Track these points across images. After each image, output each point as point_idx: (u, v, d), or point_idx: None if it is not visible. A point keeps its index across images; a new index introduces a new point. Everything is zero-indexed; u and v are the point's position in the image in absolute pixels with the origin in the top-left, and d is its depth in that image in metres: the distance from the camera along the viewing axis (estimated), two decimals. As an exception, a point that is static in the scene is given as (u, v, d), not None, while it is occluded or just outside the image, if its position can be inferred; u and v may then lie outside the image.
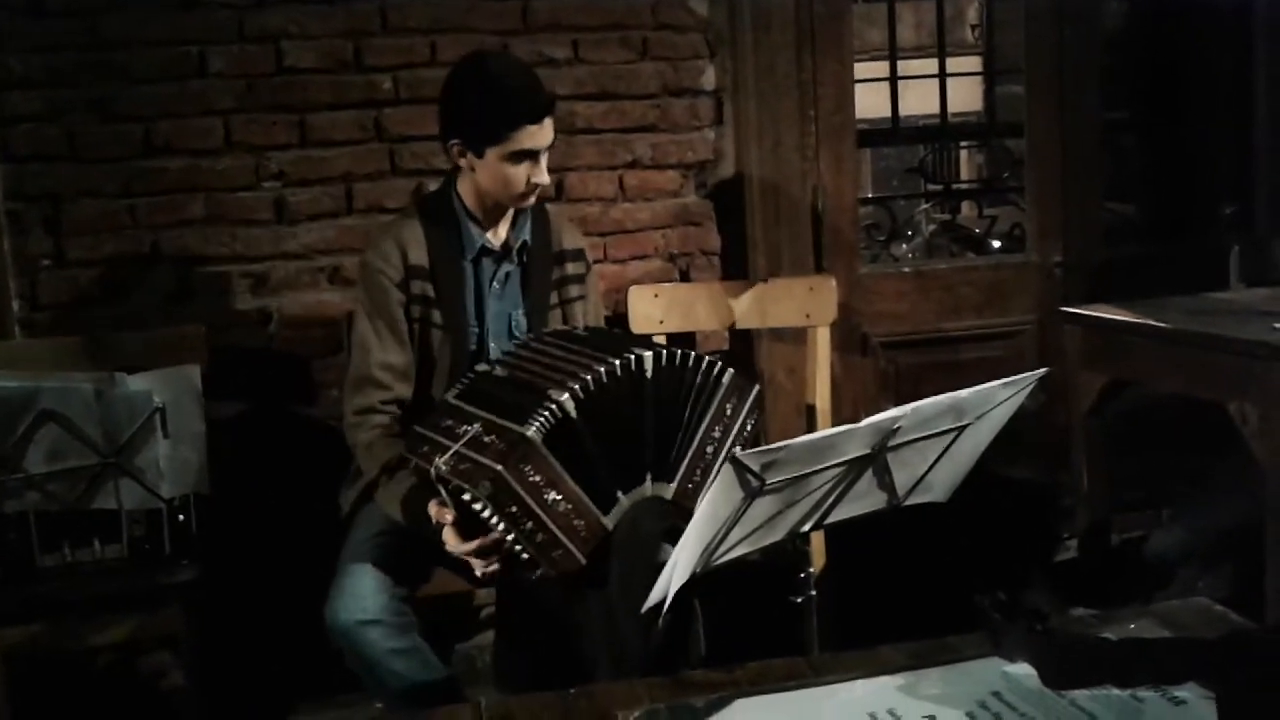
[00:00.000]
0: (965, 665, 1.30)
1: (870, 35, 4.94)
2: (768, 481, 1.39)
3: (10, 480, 2.15)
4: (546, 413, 1.76)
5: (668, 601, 1.44)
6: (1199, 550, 2.89)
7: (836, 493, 1.54)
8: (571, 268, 2.31)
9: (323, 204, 2.81)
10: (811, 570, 1.77)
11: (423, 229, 2.16)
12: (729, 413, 1.94)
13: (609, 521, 1.83)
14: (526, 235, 2.22)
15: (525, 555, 1.76)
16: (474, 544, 1.85)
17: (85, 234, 2.71)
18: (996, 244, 4.17)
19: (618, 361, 1.84)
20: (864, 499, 1.59)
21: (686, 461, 1.92)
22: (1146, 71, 3.47)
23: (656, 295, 2.76)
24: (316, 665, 2.69)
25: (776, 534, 1.55)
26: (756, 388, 1.98)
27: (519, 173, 2.08)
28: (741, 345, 3.04)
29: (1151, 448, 3.06)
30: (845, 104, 3.13)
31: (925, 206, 5.11)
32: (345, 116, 2.79)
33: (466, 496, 1.73)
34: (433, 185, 2.82)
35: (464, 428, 1.81)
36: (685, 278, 3.03)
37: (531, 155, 2.07)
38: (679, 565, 1.42)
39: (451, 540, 1.87)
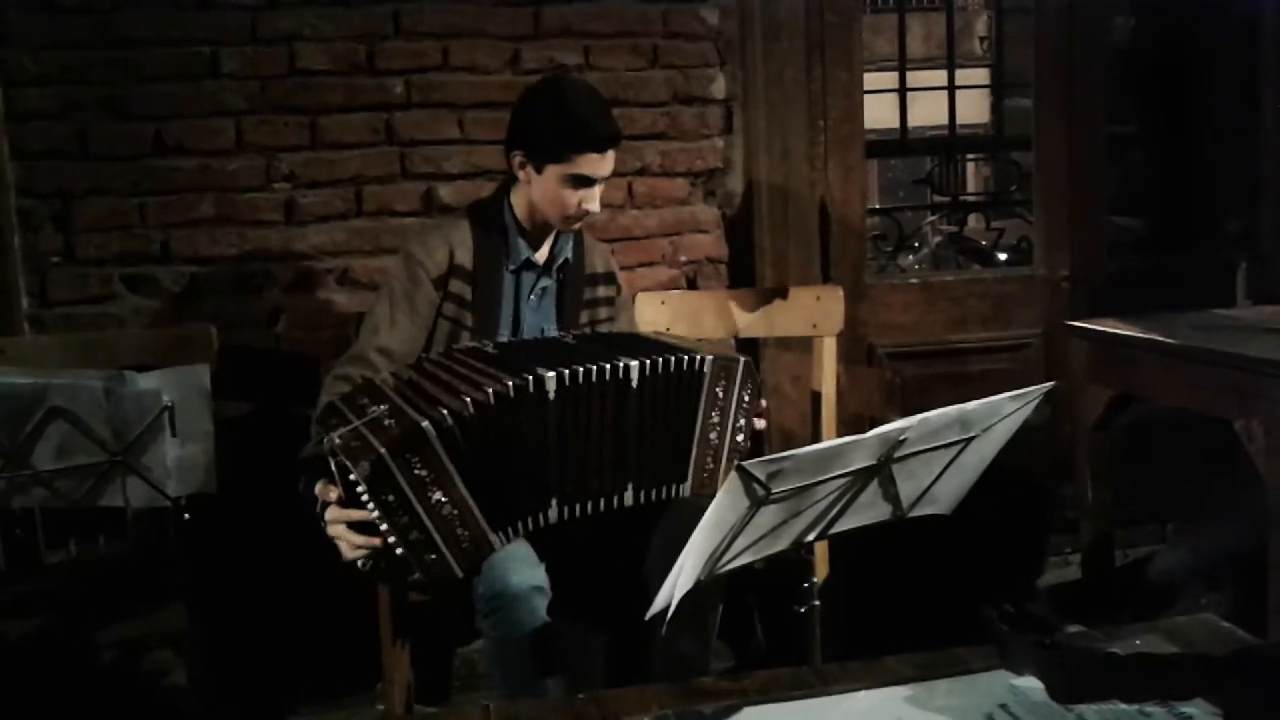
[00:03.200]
0: (972, 678, 1.30)
1: (878, 46, 4.95)
2: (773, 491, 1.39)
3: (18, 476, 2.15)
4: (453, 409, 1.70)
5: (672, 608, 1.44)
6: (1203, 568, 2.89)
7: (842, 503, 1.54)
8: (603, 290, 2.32)
9: (332, 206, 2.82)
10: (815, 580, 1.77)
11: (472, 233, 2.18)
12: (721, 395, 1.93)
13: (496, 540, 1.78)
14: (568, 254, 2.25)
15: (399, 551, 1.71)
16: (343, 522, 1.77)
17: (95, 232, 2.72)
18: (1003, 256, 4.17)
19: (552, 372, 1.77)
20: (869, 510, 1.59)
21: (694, 455, 1.92)
22: (1154, 85, 3.47)
23: (663, 302, 2.76)
24: (319, 666, 2.71)
25: (781, 543, 1.54)
26: (743, 360, 1.96)
27: (572, 196, 2.11)
28: (747, 354, 3.04)
29: (1156, 463, 3.07)
30: (854, 114, 3.14)
31: (932, 218, 5.12)
32: (356, 119, 2.81)
33: (353, 476, 1.68)
34: (443, 189, 2.84)
35: (374, 407, 1.76)
36: (692, 285, 3.04)
37: (588, 182, 2.10)
38: (684, 572, 1.42)
39: (331, 517, 1.79)
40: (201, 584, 2.30)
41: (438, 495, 1.71)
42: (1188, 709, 1.17)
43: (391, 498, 1.68)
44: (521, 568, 1.87)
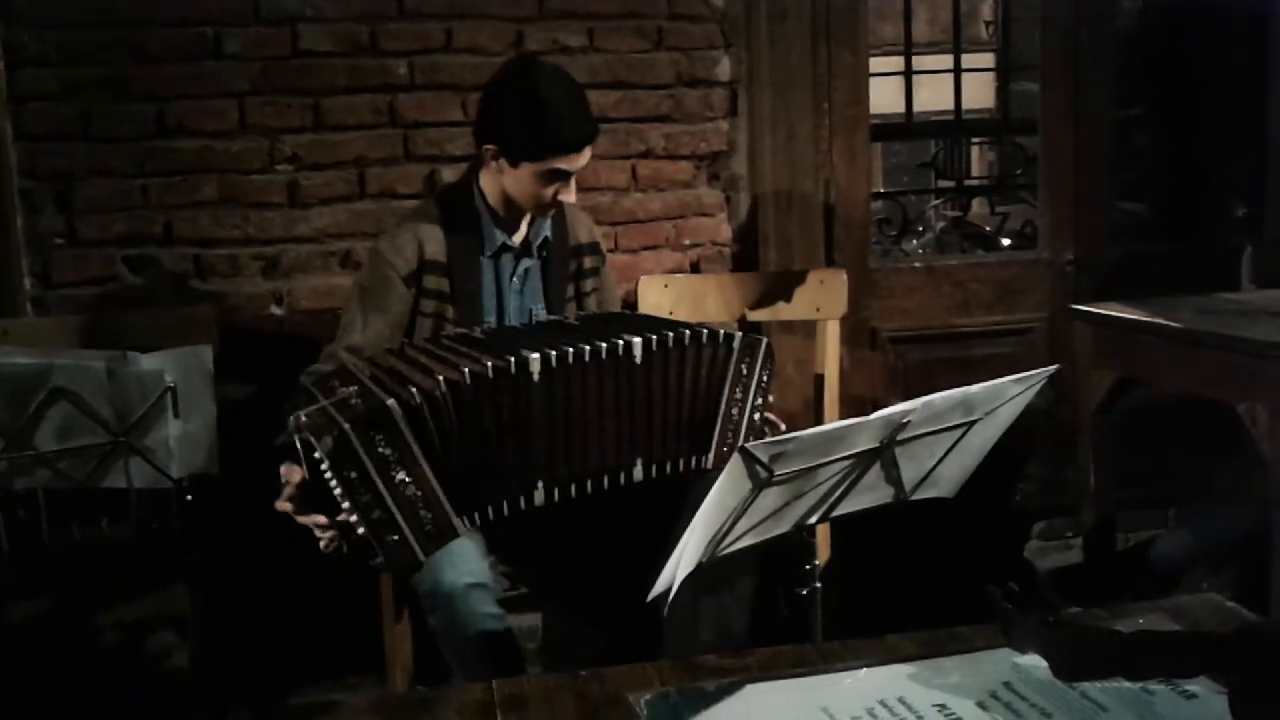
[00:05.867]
0: (976, 655, 1.29)
1: (884, 30, 4.93)
2: (776, 473, 1.38)
3: (21, 457, 2.16)
4: (424, 389, 1.69)
5: (674, 590, 1.44)
6: (1205, 552, 2.89)
7: (844, 486, 1.54)
8: (588, 261, 2.30)
9: (335, 188, 2.81)
10: (817, 562, 1.77)
11: (441, 224, 2.14)
12: (745, 372, 1.93)
13: (460, 524, 1.76)
14: (547, 231, 2.22)
15: (360, 530, 1.68)
16: (298, 502, 1.76)
17: (97, 213, 2.72)
18: (1007, 241, 4.17)
19: (555, 351, 1.76)
20: (871, 492, 1.59)
21: (717, 430, 1.92)
22: (1161, 70, 3.46)
23: (666, 285, 2.76)
24: (321, 647, 2.71)
25: (783, 525, 1.54)
26: (765, 342, 1.96)
27: (547, 190, 2.09)
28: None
29: (1160, 447, 3.06)
30: (859, 98, 3.13)
31: (936, 202, 5.11)
32: (360, 101, 2.80)
33: (317, 454, 1.67)
34: (446, 171, 2.83)
35: (344, 389, 1.75)
36: (695, 269, 3.03)
37: (564, 175, 2.08)
38: (686, 554, 1.42)
39: (287, 495, 1.78)
40: (204, 565, 2.30)
41: (401, 475, 1.68)
42: (1192, 686, 1.17)
43: (354, 474, 1.66)
44: (457, 564, 1.87)
